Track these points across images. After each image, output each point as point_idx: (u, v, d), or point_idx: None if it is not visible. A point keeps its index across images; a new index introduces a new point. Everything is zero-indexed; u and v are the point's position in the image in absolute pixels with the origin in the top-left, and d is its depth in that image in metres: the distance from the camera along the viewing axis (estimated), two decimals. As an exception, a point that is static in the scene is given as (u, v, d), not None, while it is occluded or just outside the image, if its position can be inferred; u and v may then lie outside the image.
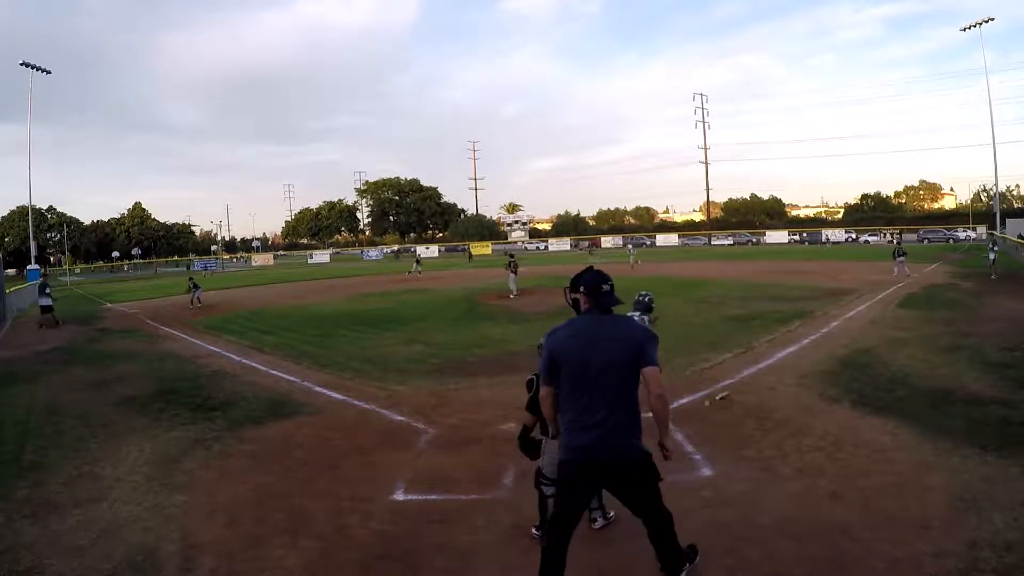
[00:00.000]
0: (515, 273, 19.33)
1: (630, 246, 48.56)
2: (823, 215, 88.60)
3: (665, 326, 12.08)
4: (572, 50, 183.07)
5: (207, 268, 57.87)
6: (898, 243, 26.63)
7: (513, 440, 5.77)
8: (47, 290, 18.87)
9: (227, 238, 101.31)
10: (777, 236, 63.12)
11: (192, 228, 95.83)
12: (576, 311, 3.30)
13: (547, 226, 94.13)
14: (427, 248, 73.58)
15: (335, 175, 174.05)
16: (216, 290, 22.77)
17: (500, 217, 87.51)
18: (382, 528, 4.19)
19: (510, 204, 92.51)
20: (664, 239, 69.06)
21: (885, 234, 57.16)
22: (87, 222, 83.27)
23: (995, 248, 20.85)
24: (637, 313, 6.09)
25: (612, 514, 4.07)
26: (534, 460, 3.96)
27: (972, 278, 19.08)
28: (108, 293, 32.28)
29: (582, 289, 3.21)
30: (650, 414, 3.07)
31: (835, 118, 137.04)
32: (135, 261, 73.06)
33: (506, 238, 78.22)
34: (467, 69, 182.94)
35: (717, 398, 6.83)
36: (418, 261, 37.31)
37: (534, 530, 4.03)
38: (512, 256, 20.74)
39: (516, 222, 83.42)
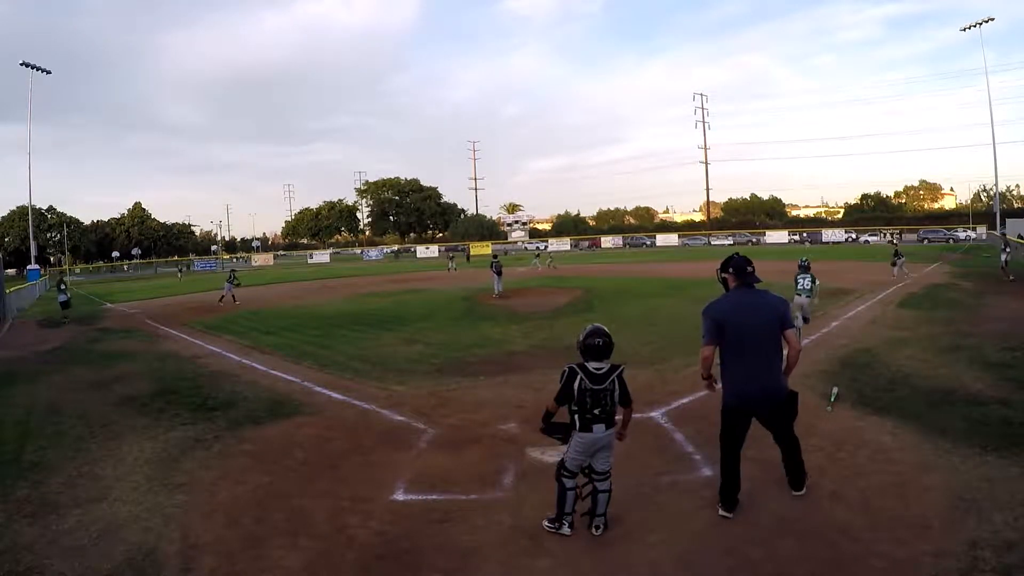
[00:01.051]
0: (499, 274, 19.91)
1: (538, 249, 50.66)
2: (823, 215, 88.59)
3: (664, 326, 12.09)
4: (572, 50, 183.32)
5: (180, 270, 52.77)
6: (896, 244, 26.64)
7: (512, 440, 5.81)
8: (63, 286, 19.54)
9: (227, 238, 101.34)
10: (777, 236, 63.12)
11: (192, 228, 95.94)
12: (725, 288, 4.19)
13: (547, 226, 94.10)
14: (427, 248, 73.56)
15: (335, 175, 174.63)
16: (213, 291, 22.84)
17: (500, 217, 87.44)
18: (382, 528, 4.19)
19: (510, 204, 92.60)
20: (664, 239, 69.05)
21: (885, 234, 57.22)
22: (87, 222, 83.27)
23: (1008, 249, 20.33)
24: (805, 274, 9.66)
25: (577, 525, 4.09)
26: (563, 443, 4.05)
27: (972, 278, 19.08)
28: (108, 293, 32.27)
29: (731, 270, 4.10)
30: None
31: (835, 118, 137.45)
32: (135, 261, 72.98)
33: (506, 238, 78.19)
34: (467, 69, 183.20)
35: (833, 400, 6.50)
36: (452, 258, 38.62)
37: (546, 523, 4.06)
38: (496, 257, 21.44)
39: (516, 222, 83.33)
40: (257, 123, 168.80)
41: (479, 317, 14.64)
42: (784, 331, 3.98)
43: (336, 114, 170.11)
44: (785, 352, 4.08)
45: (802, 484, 4.31)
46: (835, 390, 6.66)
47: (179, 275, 47.86)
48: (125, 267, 70.88)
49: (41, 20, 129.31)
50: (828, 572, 3.44)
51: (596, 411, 3.85)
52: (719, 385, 4.20)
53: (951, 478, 4.50)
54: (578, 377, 3.83)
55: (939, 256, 30.01)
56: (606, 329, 3.93)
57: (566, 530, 3.99)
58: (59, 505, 4.75)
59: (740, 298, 4.03)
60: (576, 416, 3.88)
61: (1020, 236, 31.70)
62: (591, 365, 3.85)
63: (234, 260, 78.01)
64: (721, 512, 4.13)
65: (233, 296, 21.39)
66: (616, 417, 3.96)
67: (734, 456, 4.15)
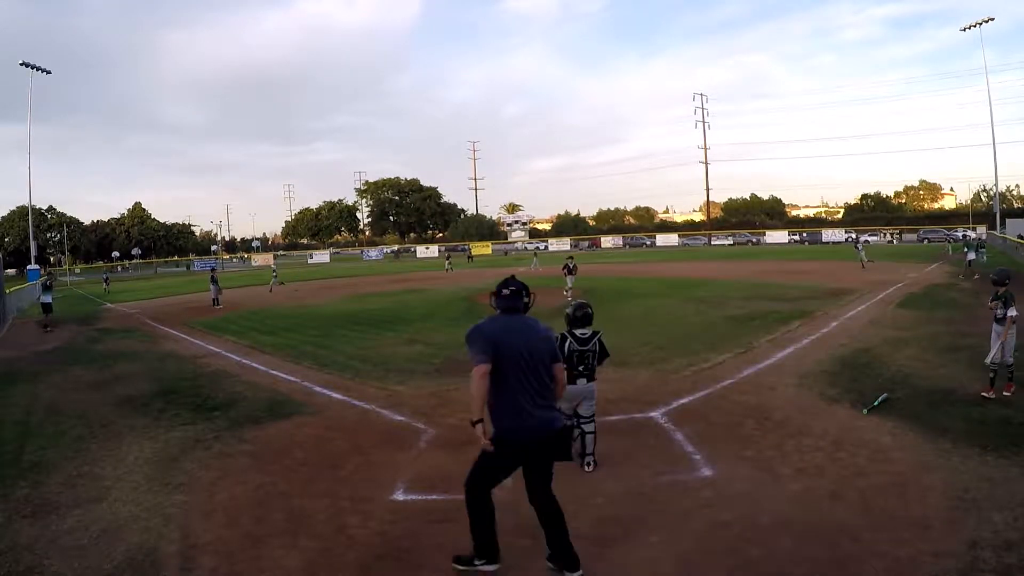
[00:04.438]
0: (572, 274, 19.66)
1: (536, 249, 47.35)
2: (823, 215, 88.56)
3: (664, 326, 12.09)
4: (573, 50, 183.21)
5: (106, 279, 37.38)
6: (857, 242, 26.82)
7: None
8: (48, 283, 18.52)
9: (227, 238, 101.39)
10: (777, 236, 63.11)
11: (192, 228, 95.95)
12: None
13: (547, 226, 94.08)
14: (427, 248, 73.53)
15: (335, 175, 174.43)
16: (195, 293, 22.62)
17: (500, 217, 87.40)
18: (382, 528, 4.19)
19: (510, 204, 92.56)
20: (664, 239, 69.03)
21: (885, 234, 57.28)
22: (87, 222, 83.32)
23: (981, 249, 20.35)
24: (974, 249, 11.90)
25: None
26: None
27: (971, 278, 19.07)
28: (108, 293, 32.27)
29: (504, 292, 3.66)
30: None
31: (835, 118, 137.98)
32: (135, 261, 72.90)
33: (506, 238, 78.22)
34: (468, 69, 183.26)
35: (876, 404, 6.27)
36: (448, 259, 37.61)
37: (589, 464, 4.97)
38: (571, 258, 20.77)
39: (516, 222, 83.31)
40: (257, 123, 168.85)
41: (479, 317, 14.55)
42: (555, 364, 3.54)
43: (336, 114, 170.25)
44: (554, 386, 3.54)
45: (577, 565, 3.42)
46: (883, 396, 6.45)
47: (105, 286, 35.40)
48: (119, 268, 70.27)
49: (41, 20, 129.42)
50: (828, 572, 3.44)
51: (580, 368, 4.91)
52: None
53: (951, 478, 4.50)
54: (568, 341, 4.90)
55: (939, 256, 30.00)
56: (586, 303, 5.18)
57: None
58: (59, 505, 4.74)
59: (509, 323, 3.55)
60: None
61: (1020, 236, 31.65)
62: (577, 331, 4.98)
63: (233, 260, 78.00)
64: (483, 567, 3.48)
65: (215, 299, 20.70)
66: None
67: (490, 485, 3.48)
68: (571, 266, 19.93)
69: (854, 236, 48.01)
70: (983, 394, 6.32)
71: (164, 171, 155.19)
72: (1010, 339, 6.41)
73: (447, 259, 38.11)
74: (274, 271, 30.39)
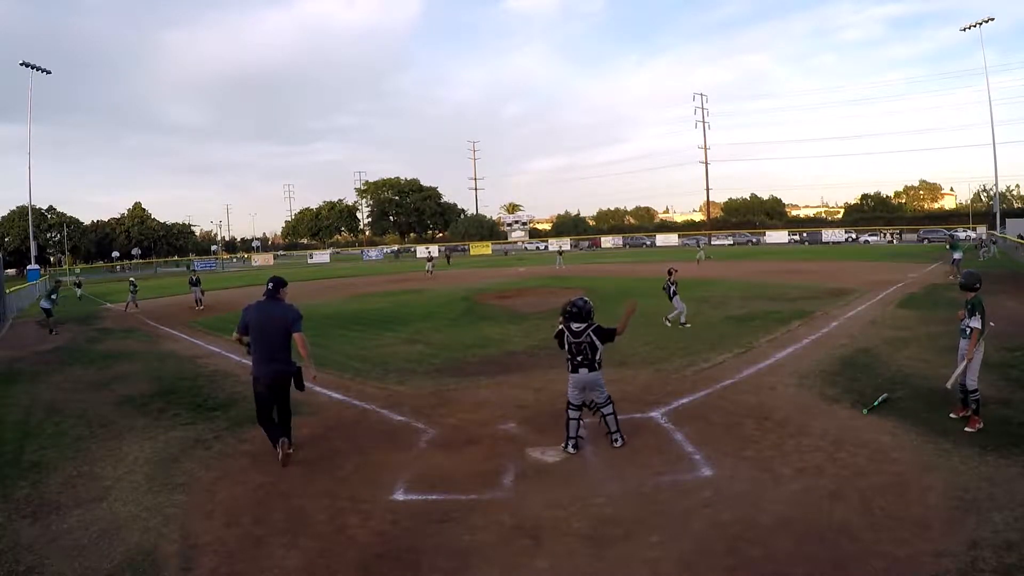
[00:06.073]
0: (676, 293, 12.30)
1: (560, 249, 47.12)
2: (823, 215, 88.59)
3: (664, 326, 12.08)
4: (574, 50, 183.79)
5: (78, 283, 32.23)
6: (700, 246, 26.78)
7: (512, 440, 5.84)
8: (54, 296, 17.38)
9: (227, 238, 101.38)
10: (777, 236, 63.12)
11: (192, 228, 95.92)
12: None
13: (547, 226, 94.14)
14: (427, 248, 73.61)
15: (335, 175, 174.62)
16: (217, 290, 22.56)
17: (500, 217, 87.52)
18: (382, 528, 4.19)
19: (510, 204, 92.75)
20: (664, 239, 69.04)
21: (885, 234, 57.30)
22: (87, 222, 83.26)
23: (984, 248, 20.34)
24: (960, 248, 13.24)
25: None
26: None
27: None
28: (108, 293, 32.25)
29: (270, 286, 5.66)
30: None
31: (835, 118, 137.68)
32: (135, 261, 72.82)
33: (506, 238, 78.24)
34: (468, 69, 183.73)
35: (876, 404, 6.25)
36: (430, 259, 36.01)
37: (561, 447, 5.39)
38: (673, 272, 12.63)
39: (516, 222, 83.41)
40: (257, 123, 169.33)
41: (479, 317, 14.63)
42: (293, 333, 5.38)
43: (337, 114, 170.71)
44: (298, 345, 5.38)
45: (289, 441, 5.52)
46: (883, 397, 6.45)
47: (78, 291, 30.14)
48: (117, 268, 70.08)
49: (41, 20, 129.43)
50: (828, 572, 3.44)
51: (579, 358, 5.30)
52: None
53: (951, 478, 4.50)
54: (564, 334, 5.37)
55: (939, 256, 30.00)
56: (584, 299, 5.44)
57: (571, 449, 5.33)
58: (59, 505, 4.75)
59: (262, 306, 5.50)
60: (568, 362, 5.38)
61: (1020, 236, 31.64)
62: (572, 325, 5.36)
63: (234, 260, 77.94)
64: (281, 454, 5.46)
65: (198, 300, 21.03)
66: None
67: (264, 413, 5.48)
68: (674, 284, 12.27)
69: (696, 240, 50.81)
70: (951, 415, 5.71)
71: (164, 171, 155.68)
72: (976, 356, 5.46)
73: (429, 260, 35.57)
74: (133, 285, 22.87)
